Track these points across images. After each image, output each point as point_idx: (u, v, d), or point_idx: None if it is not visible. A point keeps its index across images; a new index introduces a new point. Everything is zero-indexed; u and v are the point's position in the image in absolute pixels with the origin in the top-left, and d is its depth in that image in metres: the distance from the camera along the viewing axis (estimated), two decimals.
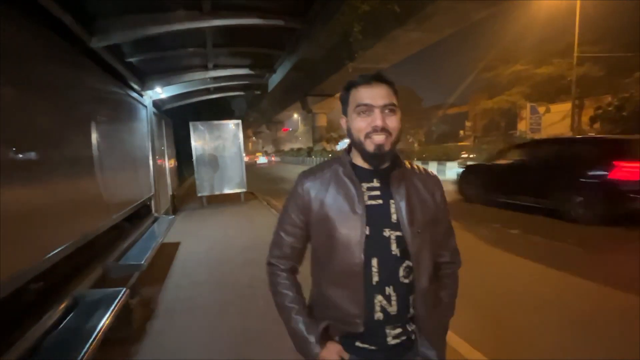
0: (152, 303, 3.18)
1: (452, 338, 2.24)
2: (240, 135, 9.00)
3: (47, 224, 1.93)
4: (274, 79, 8.55)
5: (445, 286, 1.02)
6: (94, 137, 2.77)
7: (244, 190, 9.15)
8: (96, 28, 3.36)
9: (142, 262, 2.88)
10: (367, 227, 0.86)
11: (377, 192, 0.89)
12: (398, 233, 0.87)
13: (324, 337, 0.90)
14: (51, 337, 1.72)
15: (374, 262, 0.86)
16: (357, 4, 6.67)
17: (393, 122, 0.85)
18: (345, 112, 0.93)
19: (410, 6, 6.94)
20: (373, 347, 0.89)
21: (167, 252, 4.74)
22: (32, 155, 1.87)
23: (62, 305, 1.95)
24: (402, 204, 0.88)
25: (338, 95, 0.99)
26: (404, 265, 0.87)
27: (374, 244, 0.86)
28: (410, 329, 0.91)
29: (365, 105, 0.85)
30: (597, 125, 12.46)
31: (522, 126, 20.21)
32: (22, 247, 1.66)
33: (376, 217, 0.87)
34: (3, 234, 1.49)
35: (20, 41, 1.88)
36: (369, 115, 0.85)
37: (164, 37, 4.13)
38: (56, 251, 1.94)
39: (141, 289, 3.12)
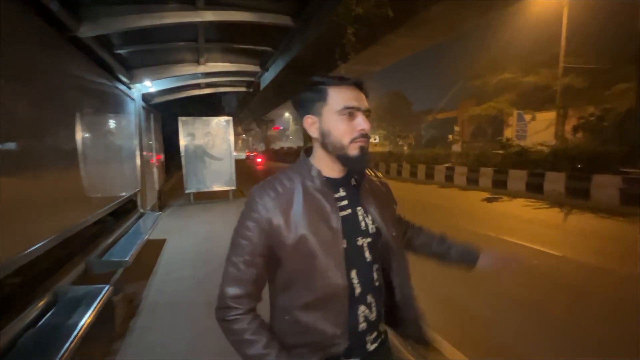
0: (136, 300, 3.11)
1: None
2: (231, 132, 8.89)
3: (27, 217, 1.86)
4: (267, 77, 8.50)
5: (419, 230, 1.14)
6: (78, 128, 2.70)
7: (233, 188, 9.01)
8: (84, 16, 3.26)
9: (127, 259, 2.81)
10: (344, 241, 0.82)
11: (345, 202, 0.86)
12: (369, 239, 0.86)
13: None
14: (29, 334, 1.66)
15: (353, 273, 0.83)
16: (352, 5, 6.72)
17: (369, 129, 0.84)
18: (314, 112, 0.83)
19: (404, 12, 7.02)
20: (357, 359, 0.85)
21: (152, 249, 4.64)
22: (12, 145, 1.79)
23: (42, 302, 1.89)
24: (372, 210, 0.88)
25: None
26: (375, 268, 0.87)
27: (352, 256, 0.83)
28: (382, 330, 0.91)
29: (352, 107, 0.80)
30: (579, 134, 12.84)
31: (509, 133, 20.63)
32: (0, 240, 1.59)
33: (350, 228, 0.84)
34: None
35: (2, 24, 1.81)
36: (354, 118, 0.81)
37: (154, 30, 4.04)
38: (37, 246, 1.88)
39: (125, 286, 3.05)
